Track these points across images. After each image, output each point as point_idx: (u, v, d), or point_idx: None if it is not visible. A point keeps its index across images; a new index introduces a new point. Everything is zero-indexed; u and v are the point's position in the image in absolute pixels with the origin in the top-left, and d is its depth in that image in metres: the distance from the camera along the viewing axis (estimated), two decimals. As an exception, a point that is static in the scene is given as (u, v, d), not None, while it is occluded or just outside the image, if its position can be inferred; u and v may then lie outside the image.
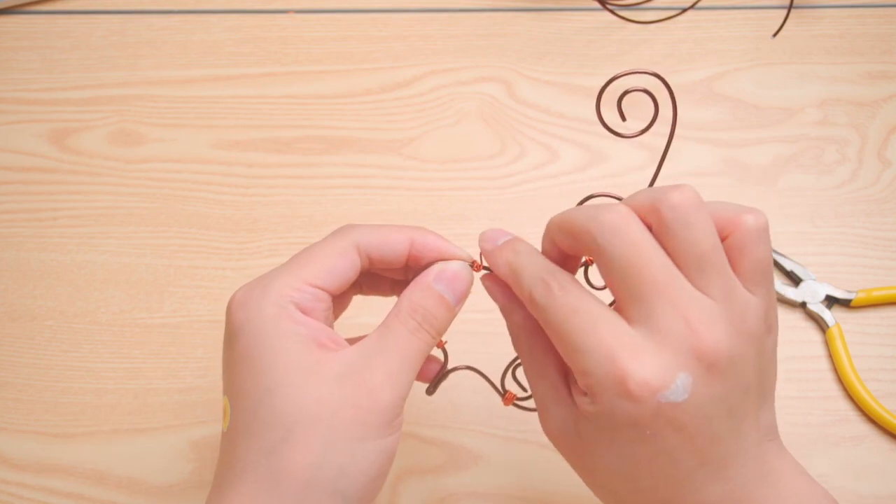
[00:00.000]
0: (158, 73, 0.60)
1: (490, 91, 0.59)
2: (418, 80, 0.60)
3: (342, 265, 0.35)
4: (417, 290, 0.35)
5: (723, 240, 0.32)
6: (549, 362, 0.34)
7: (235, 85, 0.60)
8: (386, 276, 0.39)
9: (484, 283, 0.37)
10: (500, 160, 0.57)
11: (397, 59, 0.61)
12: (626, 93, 0.33)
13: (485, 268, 0.37)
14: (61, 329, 0.52)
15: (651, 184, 0.36)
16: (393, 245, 0.36)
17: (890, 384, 0.49)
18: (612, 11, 0.60)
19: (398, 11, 0.63)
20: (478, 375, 0.40)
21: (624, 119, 0.34)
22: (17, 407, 0.49)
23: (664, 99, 0.34)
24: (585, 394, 0.31)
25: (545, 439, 0.46)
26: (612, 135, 0.35)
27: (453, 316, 0.36)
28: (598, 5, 0.60)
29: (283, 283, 0.34)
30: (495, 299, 0.36)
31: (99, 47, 0.62)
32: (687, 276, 0.30)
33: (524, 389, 0.39)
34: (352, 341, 0.37)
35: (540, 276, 0.32)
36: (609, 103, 0.34)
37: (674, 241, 0.31)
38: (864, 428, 0.48)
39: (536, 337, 0.35)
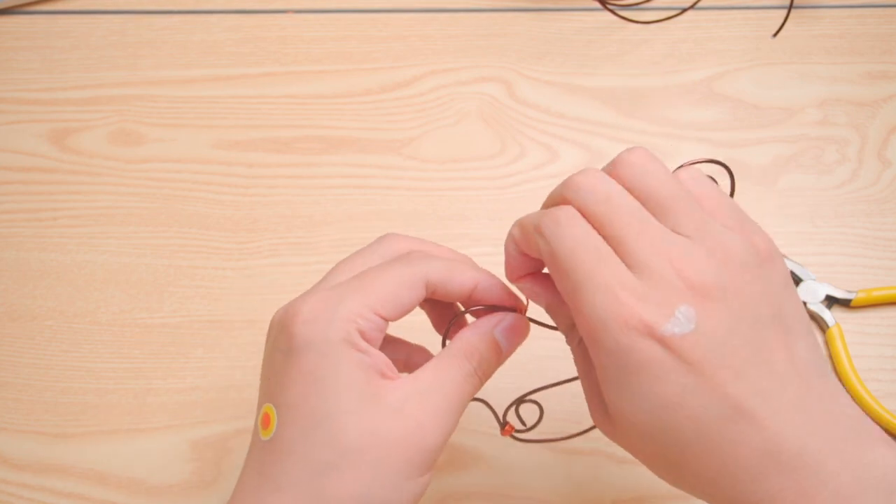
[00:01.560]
0: (158, 73, 0.60)
1: (490, 91, 0.59)
2: (418, 80, 0.60)
3: (409, 298, 0.35)
4: (477, 334, 0.36)
5: None
6: None
7: (235, 85, 0.60)
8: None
9: (522, 287, 0.36)
10: (500, 160, 0.57)
11: (397, 59, 0.61)
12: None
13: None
14: (61, 329, 0.52)
15: None
16: (460, 285, 0.36)
17: (890, 384, 0.49)
18: (612, 11, 0.60)
19: (398, 11, 0.63)
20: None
21: None
22: (17, 407, 0.49)
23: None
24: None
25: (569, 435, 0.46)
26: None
27: (500, 365, 0.36)
28: (598, 5, 0.60)
29: (351, 308, 0.33)
30: (538, 300, 0.36)
31: (99, 47, 0.62)
32: (660, 222, 0.31)
33: (523, 424, 0.41)
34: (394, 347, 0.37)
35: (545, 211, 0.33)
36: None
37: (637, 192, 0.32)
38: (864, 428, 0.48)
39: None
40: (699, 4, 0.62)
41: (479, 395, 0.40)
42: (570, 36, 0.62)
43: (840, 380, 0.49)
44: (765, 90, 0.59)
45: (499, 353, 0.36)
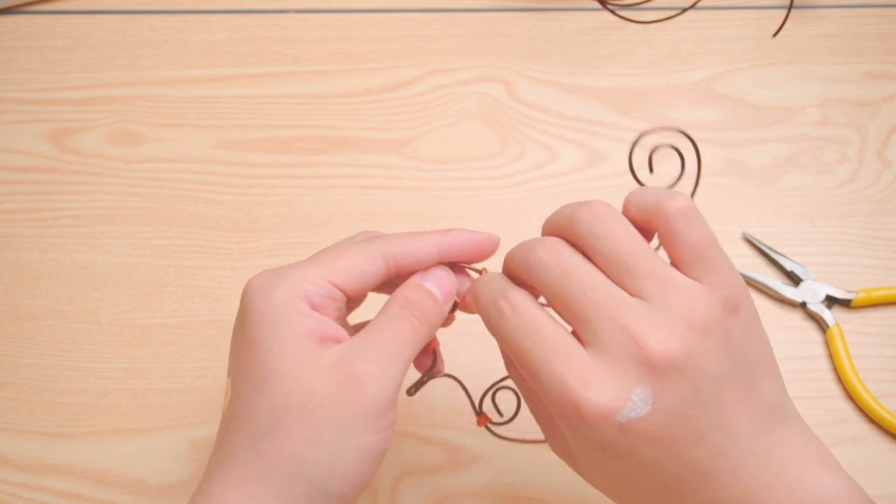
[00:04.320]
0: (158, 73, 0.60)
1: (490, 91, 0.59)
2: (418, 80, 0.60)
3: (367, 270, 0.35)
4: (406, 287, 0.36)
5: (654, 232, 0.32)
6: None
7: (235, 85, 0.60)
8: None
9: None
10: (500, 160, 0.57)
11: (397, 59, 0.61)
12: (654, 149, 0.35)
13: None
14: (61, 329, 0.52)
15: None
16: (425, 248, 0.36)
17: (890, 384, 0.49)
18: (612, 11, 0.60)
19: (398, 11, 0.63)
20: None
21: (652, 171, 0.35)
22: (17, 407, 0.49)
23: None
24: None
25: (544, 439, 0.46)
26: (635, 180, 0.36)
27: (442, 311, 0.36)
28: (598, 5, 0.60)
29: (301, 274, 0.34)
30: None
31: (99, 47, 0.62)
32: (620, 285, 0.31)
33: (500, 414, 0.40)
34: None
35: (493, 298, 0.33)
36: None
37: (593, 255, 0.32)
38: (864, 428, 0.48)
39: None
40: (699, 4, 0.62)
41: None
42: (570, 36, 0.62)
43: (840, 380, 0.49)
44: (765, 90, 0.59)
45: (434, 299, 0.35)
